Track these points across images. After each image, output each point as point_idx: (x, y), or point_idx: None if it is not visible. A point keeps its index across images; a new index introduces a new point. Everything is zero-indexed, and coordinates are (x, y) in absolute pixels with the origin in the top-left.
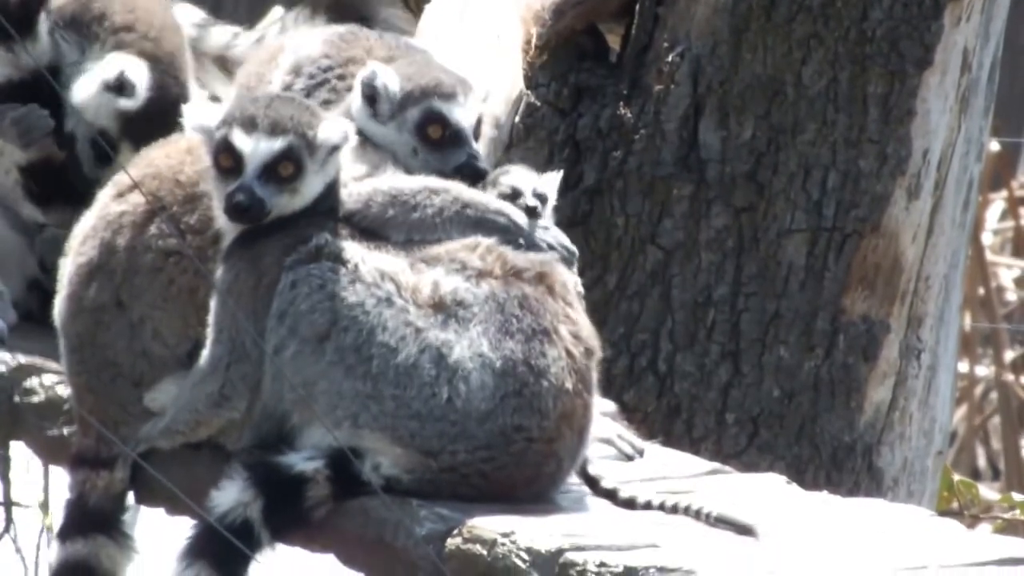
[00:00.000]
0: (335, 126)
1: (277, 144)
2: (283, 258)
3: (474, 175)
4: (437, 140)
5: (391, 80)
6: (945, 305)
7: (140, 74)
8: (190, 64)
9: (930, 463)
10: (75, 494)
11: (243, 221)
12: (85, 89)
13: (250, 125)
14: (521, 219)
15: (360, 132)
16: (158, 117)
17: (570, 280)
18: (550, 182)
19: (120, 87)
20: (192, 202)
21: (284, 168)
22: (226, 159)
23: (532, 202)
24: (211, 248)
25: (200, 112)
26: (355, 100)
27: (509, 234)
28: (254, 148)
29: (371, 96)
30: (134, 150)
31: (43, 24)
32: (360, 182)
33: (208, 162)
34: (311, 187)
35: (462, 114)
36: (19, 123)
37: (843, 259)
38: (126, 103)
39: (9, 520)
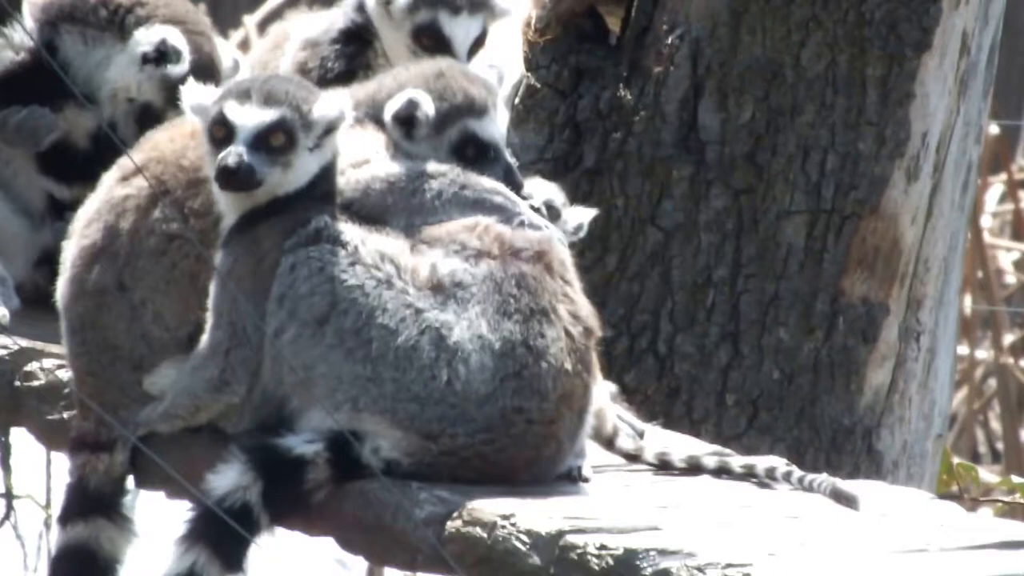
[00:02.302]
0: (331, 103)
1: (269, 114)
2: (282, 241)
3: (513, 189)
4: (472, 158)
5: (429, 107)
6: (944, 287)
7: (179, 38)
8: (206, 19)
9: (930, 446)
10: (75, 477)
11: (233, 187)
12: (125, 69)
13: (244, 96)
14: (517, 199)
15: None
16: (200, 78)
17: (568, 257)
18: (580, 215)
19: (161, 57)
20: (195, 186)
21: (275, 138)
22: (219, 130)
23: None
24: (213, 232)
25: (198, 92)
26: (386, 115)
27: (506, 213)
28: (245, 117)
29: (408, 121)
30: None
31: (26, 8)
32: (357, 169)
33: (204, 140)
34: (306, 164)
35: (495, 129)
36: (22, 128)
37: (842, 241)
38: (175, 70)
39: (9, 508)
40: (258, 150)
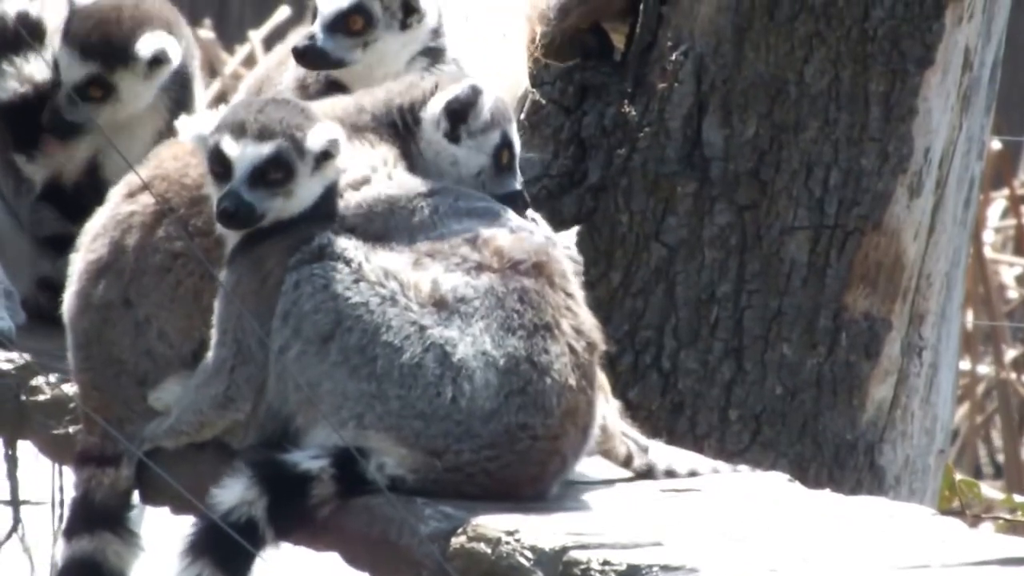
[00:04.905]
0: (327, 130)
1: (265, 149)
2: (286, 259)
3: (524, 205)
4: (503, 165)
5: (491, 96)
6: (947, 303)
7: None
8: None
9: (932, 461)
10: (80, 492)
11: (233, 226)
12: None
13: (239, 131)
14: (510, 210)
15: (388, 129)
16: None
17: (568, 267)
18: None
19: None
20: (198, 204)
21: (274, 172)
22: (217, 165)
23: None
24: (217, 250)
25: (195, 120)
26: (430, 111)
27: (499, 219)
28: (241, 154)
29: (463, 112)
30: None
31: (49, 37)
32: (356, 191)
33: (205, 170)
34: (307, 190)
35: (518, 141)
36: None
37: (845, 257)
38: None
39: (17, 520)
40: (256, 186)
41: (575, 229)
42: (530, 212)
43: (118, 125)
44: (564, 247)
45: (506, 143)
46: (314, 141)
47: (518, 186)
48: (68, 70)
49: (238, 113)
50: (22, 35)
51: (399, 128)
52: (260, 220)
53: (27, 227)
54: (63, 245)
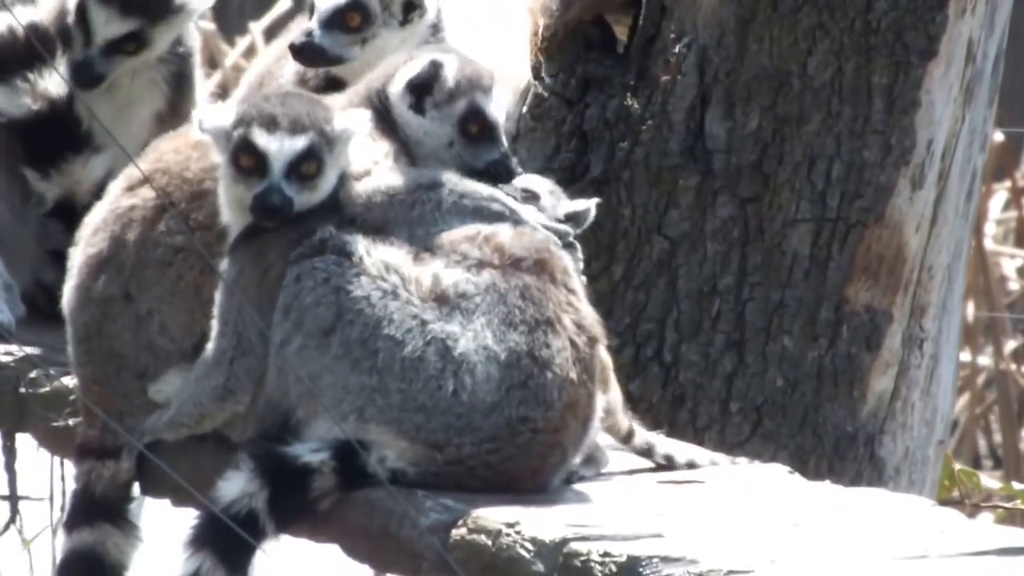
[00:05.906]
0: (348, 118)
1: (300, 143)
2: (288, 252)
3: (506, 174)
4: (475, 135)
5: (452, 68)
6: (948, 295)
7: None
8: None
9: (931, 452)
10: (81, 484)
11: (272, 221)
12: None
13: (271, 124)
14: (515, 204)
15: (381, 120)
16: None
17: (570, 264)
18: (577, 204)
19: None
20: (199, 199)
21: (308, 167)
22: (248, 159)
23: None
24: (217, 244)
25: (213, 112)
26: (395, 86)
27: (504, 219)
28: (279, 147)
29: (425, 85)
30: None
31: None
32: (357, 182)
33: (223, 161)
34: (329, 182)
35: (497, 109)
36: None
37: (847, 249)
38: None
39: (15, 512)
40: (291, 179)
41: (594, 200)
42: (525, 179)
43: (119, 104)
44: (572, 212)
45: (473, 112)
46: (340, 130)
47: (498, 156)
48: (107, 27)
49: (263, 106)
50: (35, 47)
51: (383, 114)
52: (291, 215)
53: (33, 237)
54: (67, 260)
